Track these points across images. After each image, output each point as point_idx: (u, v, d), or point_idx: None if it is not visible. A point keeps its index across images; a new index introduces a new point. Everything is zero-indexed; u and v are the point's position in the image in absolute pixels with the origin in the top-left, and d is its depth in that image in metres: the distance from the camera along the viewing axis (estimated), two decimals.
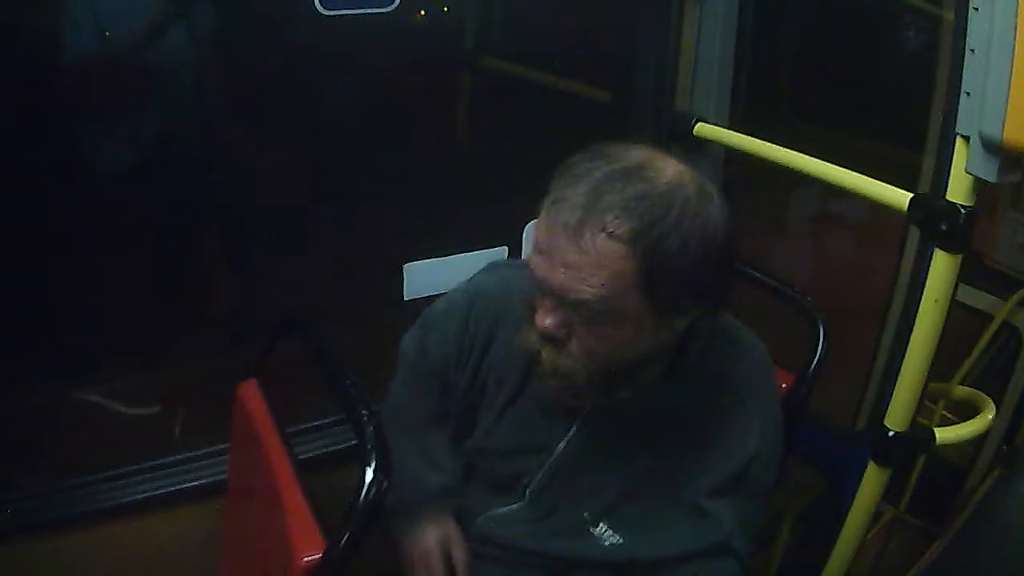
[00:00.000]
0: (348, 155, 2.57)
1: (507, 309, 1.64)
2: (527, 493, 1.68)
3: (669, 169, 1.36)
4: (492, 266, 1.85)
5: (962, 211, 1.60)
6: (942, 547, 2.94)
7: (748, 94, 2.58)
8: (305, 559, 1.48)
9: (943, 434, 1.88)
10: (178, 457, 2.27)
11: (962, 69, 1.55)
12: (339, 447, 2.27)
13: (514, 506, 1.70)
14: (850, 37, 3.35)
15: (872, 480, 1.84)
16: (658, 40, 2.39)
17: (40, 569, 2.09)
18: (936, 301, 1.67)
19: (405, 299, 2.17)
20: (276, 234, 2.63)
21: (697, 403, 1.58)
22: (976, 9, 1.50)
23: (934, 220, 1.63)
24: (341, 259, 2.66)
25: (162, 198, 2.37)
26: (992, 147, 1.50)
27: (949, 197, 1.61)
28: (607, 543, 1.61)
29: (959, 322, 2.97)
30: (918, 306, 1.71)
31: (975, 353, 3.01)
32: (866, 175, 1.82)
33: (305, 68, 2.37)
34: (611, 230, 1.30)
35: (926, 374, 1.73)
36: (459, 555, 1.73)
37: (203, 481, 2.24)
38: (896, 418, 1.77)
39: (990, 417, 2.06)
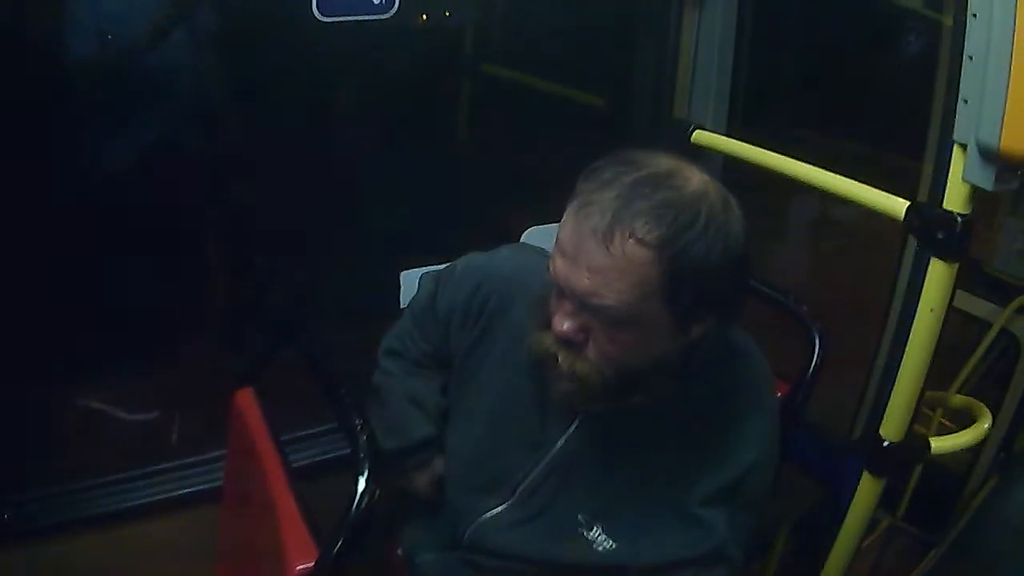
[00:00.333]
0: (347, 161, 2.57)
1: (521, 293, 1.65)
2: (517, 491, 1.67)
3: (695, 178, 1.38)
4: (518, 247, 1.87)
5: (959, 219, 1.59)
6: (939, 555, 2.94)
7: (747, 101, 2.57)
8: (298, 568, 1.49)
9: (938, 444, 1.88)
10: (176, 463, 2.27)
11: (960, 76, 1.54)
12: (335, 455, 2.27)
13: (503, 507, 1.69)
14: (850, 44, 3.35)
15: (867, 489, 1.83)
16: (656, 47, 2.40)
17: (38, 574, 2.09)
18: (932, 310, 1.66)
19: (402, 307, 2.18)
20: (275, 240, 2.62)
21: (697, 410, 1.57)
22: (975, 16, 1.49)
23: (930, 229, 1.63)
24: (340, 266, 2.65)
25: (161, 203, 2.36)
26: (989, 155, 1.49)
27: (946, 205, 1.60)
28: (600, 547, 1.61)
29: (958, 329, 2.97)
30: (915, 315, 1.71)
31: (973, 360, 3.00)
32: (866, 183, 1.82)
33: (303, 75, 2.37)
34: (640, 236, 1.31)
35: (922, 384, 1.72)
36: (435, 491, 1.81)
37: (201, 487, 2.25)
38: (891, 428, 1.76)
39: (986, 426, 2.05)
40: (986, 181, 1.53)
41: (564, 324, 1.42)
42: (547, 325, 1.47)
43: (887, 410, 1.78)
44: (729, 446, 1.59)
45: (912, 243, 1.75)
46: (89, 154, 2.36)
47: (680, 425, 1.57)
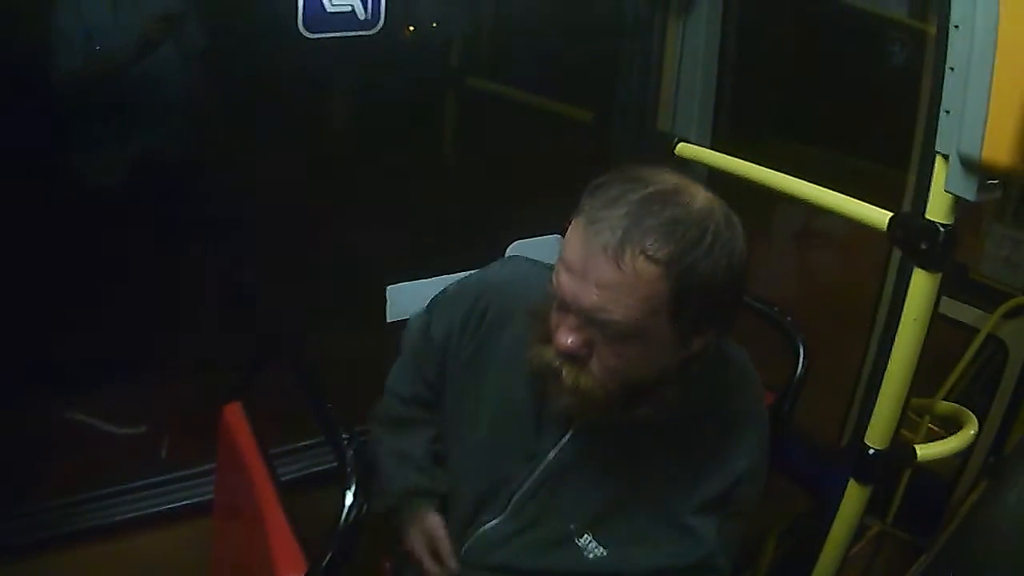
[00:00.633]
0: (333, 176, 2.57)
1: (519, 304, 1.65)
2: (511, 503, 1.67)
3: (700, 194, 1.40)
4: (511, 260, 1.87)
5: (941, 230, 1.59)
6: (929, 560, 2.94)
7: (731, 113, 2.58)
8: None
9: (924, 451, 1.88)
10: (166, 477, 2.27)
11: (942, 87, 1.55)
12: (323, 467, 2.28)
13: (497, 520, 1.69)
14: (836, 55, 3.36)
15: (854, 497, 1.84)
16: (640, 60, 2.40)
17: None
18: (916, 320, 1.66)
19: (388, 321, 2.18)
20: (262, 254, 2.62)
21: (690, 419, 1.58)
22: (956, 27, 1.50)
23: (913, 239, 1.63)
24: (326, 280, 2.66)
25: (149, 218, 2.37)
26: (971, 165, 1.50)
27: (928, 216, 1.61)
28: (591, 555, 1.61)
29: (945, 335, 2.97)
30: (899, 324, 1.72)
31: (961, 366, 3.01)
32: (850, 195, 1.83)
33: (289, 91, 2.37)
34: (650, 253, 1.32)
35: (907, 392, 1.73)
36: (444, 547, 1.77)
37: (192, 501, 2.24)
38: (876, 436, 1.77)
39: (971, 432, 2.05)
40: (968, 191, 1.53)
41: (568, 339, 1.42)
42: (547, 339, 1.48)
43: (872, 418, 1.78)
44: (722, 455, 1.60)
45: (897, 252, 1.76)
46: (78, 166, 2.36)
47: (673, 434, 1.58)
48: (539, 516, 1.66)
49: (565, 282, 1.39)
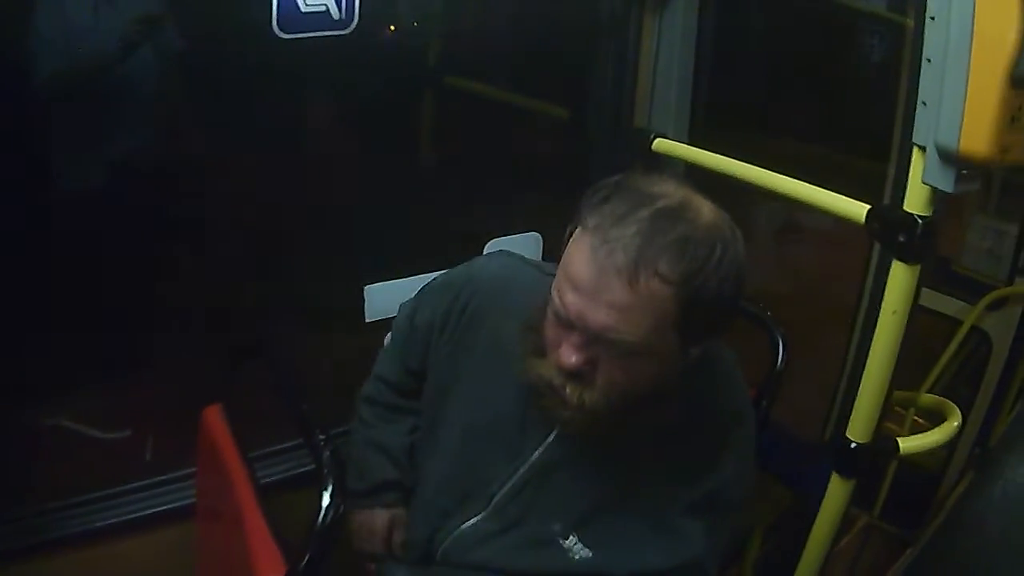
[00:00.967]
0: (309, 176, 2.56)
1: (503, 301, 1.66)
2: (493, 501, 1.66)
3: (704, 208, 1.39)
4: (499, 254, 1.87)
5: (919, 222, 1.60)
6: (915, 552, 2.95)
7: (708, 108, 2.58)
8: None
9: (907, 444, 1.88)
10: (148, 481, 2.26)
11: (919, 79, 1.55)
12: (303, 470, 2.27)
13: (478, 518, 1.68)
14: (813, 48, 3.37)
15: (837, 491, 1.84)
16: (616, 57, 2.40)
17: None
18: (895, 312, 1.67)
19: (366, 321, 2.17)
20: (240, 256, 2.62)
21: (677, 420, 1.57)
22: (932, 19, 1.51)
23: (891, 231, 1.64)
24: (304, 281, 2.65)
25: (125, 221, 2.35)
26: (948, 157, 1.51)
27: (907, 208, 1.61)
28: (576, 556, 1.60)
29: (929, 328, 2.98)
30: (879, 317, 1.71)
31: (945, 358, 3.02)
32: (830, 188, 1.83)
33: (265, 92, 2.36)
34: (664, 273, 1.31)
35: (888, 385, 1.73)
36: (398, 537, 1.83)
37: (174, 505, 2.24)
38: (858, 429, 1.77)
39: (955, 425, 2.05)
40: (946, 183, 1.54)
41: (572, 357, 1.40)
42: (540, 352, 1.47)
43: (853, 412, 1.79)
44: (709, 457, 1.60)
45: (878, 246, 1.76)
46: (57, 168, 2.35)
47: (660, 435, 1.57)
48: (523, 516, 1.65)
49: (572, 301, 1.37)
